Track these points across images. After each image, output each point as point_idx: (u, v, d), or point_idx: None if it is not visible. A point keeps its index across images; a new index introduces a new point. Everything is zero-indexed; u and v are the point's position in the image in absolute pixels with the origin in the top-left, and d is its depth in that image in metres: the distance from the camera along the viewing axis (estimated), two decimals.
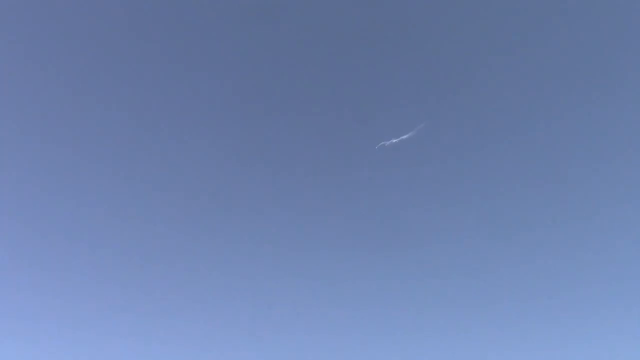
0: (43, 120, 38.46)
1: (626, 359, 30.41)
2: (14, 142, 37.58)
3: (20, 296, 34.38)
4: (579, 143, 37.27)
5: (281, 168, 39.40)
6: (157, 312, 34.81)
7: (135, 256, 36.68)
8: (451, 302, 34.61)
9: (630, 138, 35.65)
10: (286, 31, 39.73)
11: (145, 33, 39.48)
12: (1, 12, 37.47)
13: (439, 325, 33.85)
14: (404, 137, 36.57)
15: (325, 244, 37.68)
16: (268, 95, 40.06)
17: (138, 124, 39.42)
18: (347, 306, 35.30)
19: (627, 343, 30.96)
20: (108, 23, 38.63)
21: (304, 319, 34.80)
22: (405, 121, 37.77)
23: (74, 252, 36.45)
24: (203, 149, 39.82)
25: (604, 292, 33.02)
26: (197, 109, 40.32)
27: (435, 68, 39.42)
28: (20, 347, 32.63)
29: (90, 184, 38.13)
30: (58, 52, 38.58)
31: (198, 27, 39.42)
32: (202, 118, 40.51)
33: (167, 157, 39.38)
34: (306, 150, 39.99)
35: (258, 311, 35.13)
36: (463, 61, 39.09)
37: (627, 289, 32.57)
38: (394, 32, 39.27)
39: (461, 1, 38.72)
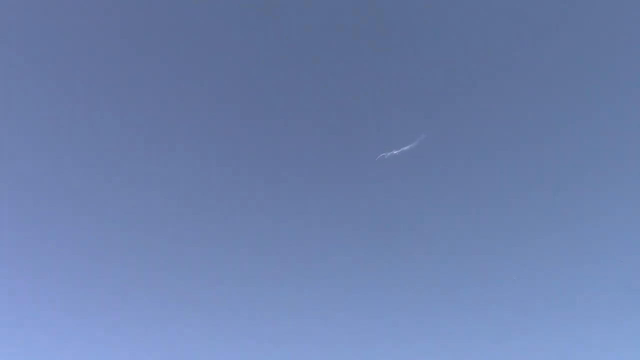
0: (43, 121, 38.44)
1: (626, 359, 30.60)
2: (14, 142, 37.58)
3: (21, 296, 34.42)
4: (582, 154, 36.71)
5: (280, 179, 38.38)
6: (157, 313, 34.85)
7: (136, 257, 36.68)
8: (451, 312, 34.25)
9: (634, 152, 34.95)
10: (285, 40, 39.15)
11: (143, 34, 39.43)
12: (1, 12, 37.48)
13: (441, 330, 33.74)
14: (405, 148, 35.44)
15: (324, 254, 37.01)
16: (268, 105, 39.21)
17: (137, 126, 39.36)
18: (346, 312, 35.03)
19: (627, 343, 31.12)
20: (107, 23, 38.62)
21: (304, 322, 34.73)
22: (407, 132, 36.81)
23: (73, 252, 36.46)
24: (206, 159, 39.09)
25: (607, 295, 32.96)
26: (204, 122, 39.66)
27: (438, 78, 38.63)
28: (19, 347, 32.73)
29: (89, 184, 38.10)
30: (57, 52, 38.55)
31: (201, 32, 39.36)
32: (206, 131, 39.94)
33: (177, 159, 38.89)
34: (305, 162, 38.76)
35: (258, 314, 35.13)
36: (466, 71, 38.34)
37: (628, 293, 32.64)
38: (394, 40, 38.68)
39: (462, 11, 38.11)
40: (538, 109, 37.53)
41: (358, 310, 34.97)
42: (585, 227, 35.53)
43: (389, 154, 35.55)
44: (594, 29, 36.89)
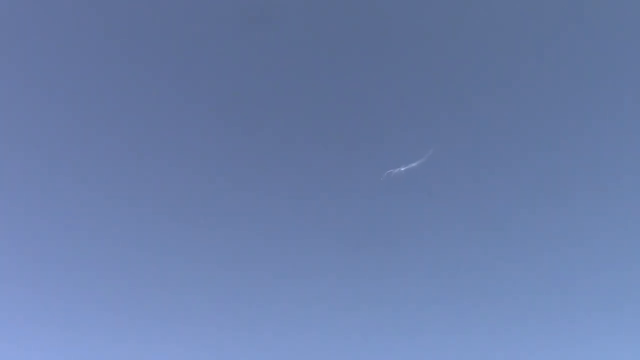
0: (42, 119, 38.44)
1: (625, 359, 30.61)
2: (14, 142, 37.57)
3: (21, 296, 34.42)
4: (595, 169, 35.24)
5: (283, 198, 36.80)
6: (158, 314, 34.85)
7: (135, 256, 36.63)
8: (457, 332, 33.24)
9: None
10: (288, 53, 37.91)
11: (141, 35, 39.39)
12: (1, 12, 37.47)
13: (441, 334, 33.32)
14: (413, 165, 33.83)
15: (328, 273, 35.86)
16: (271, 120, 38.14)
17: (136, 125, 39.27)
18: (350, 324, 34.38)
19: (627, 343, 31.13)
20: (105, 23, 38.59)
21: (304, 323, 34.50)
22: (414, 148, 35.14)
23: (73, 252, 36.45)
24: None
25: (608, 296, 32.69)
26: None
27: (447, 93, 36.96)
28: (19, 347, 32.74)
29: (88, 184, 38.06)
30: (57, 52, 38.53)
31: (200, 38, 39.28)
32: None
33: (179, 163, 38.27)
34: (308, 181, 37.36)
35: (258, 314, 34.98)
36: (477, 84, 36.71)
37: (627, 290, 32.51)
38: (401, 53, 37.57)
39: (473, 23, 36.96)
40: (553, 123, 36.09)
41: (364, 329, 34.15)
42: (595, 254, 33.98)
43: (395, 171, 34.01)
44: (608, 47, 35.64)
